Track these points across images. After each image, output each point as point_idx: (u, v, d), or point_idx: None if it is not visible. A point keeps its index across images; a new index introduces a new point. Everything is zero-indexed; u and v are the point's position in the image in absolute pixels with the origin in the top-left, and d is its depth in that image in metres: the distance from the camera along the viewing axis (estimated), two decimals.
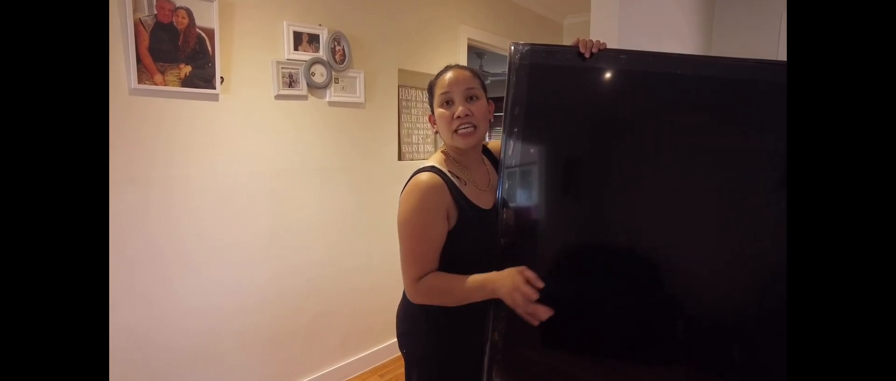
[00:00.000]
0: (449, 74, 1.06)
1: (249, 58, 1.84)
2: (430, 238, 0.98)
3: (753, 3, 3.07)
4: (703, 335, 1.03)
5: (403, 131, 2.47)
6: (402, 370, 2.39)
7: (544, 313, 0.89)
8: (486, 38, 2.97)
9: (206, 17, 1.69)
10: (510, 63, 1.05)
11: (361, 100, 2.22)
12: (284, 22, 1.92)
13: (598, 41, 1.05)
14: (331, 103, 2.11)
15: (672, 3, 2.17)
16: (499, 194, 1.04)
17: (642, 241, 1.04)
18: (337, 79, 2.11)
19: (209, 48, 1.71)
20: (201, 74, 1.70)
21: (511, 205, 1.04)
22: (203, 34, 1.69)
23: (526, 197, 1.05)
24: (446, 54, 2.65)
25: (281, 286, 2.03)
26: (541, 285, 0.90)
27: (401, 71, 2.41)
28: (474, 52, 4.25)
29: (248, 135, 1.86)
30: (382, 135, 2.36)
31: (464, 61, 2.77)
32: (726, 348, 1.01)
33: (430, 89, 1.10)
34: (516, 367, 1.05)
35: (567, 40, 3.80)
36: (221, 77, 1.76)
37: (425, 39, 2.53)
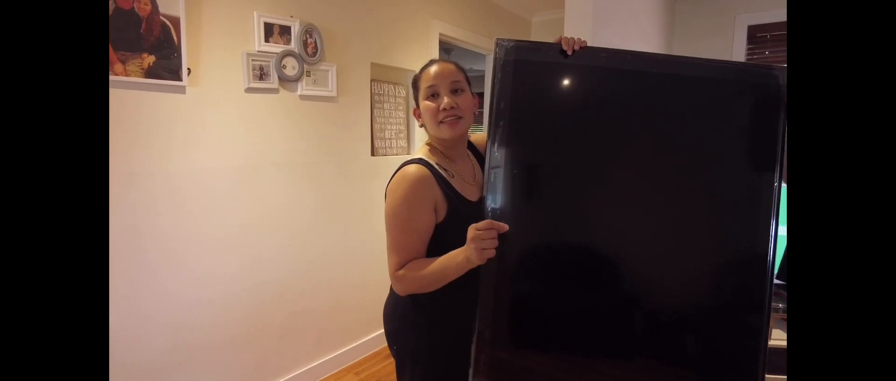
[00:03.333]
0: (434, 68, 1.07)
1: (218, 49, 1.77)
2: (415, 230, 0.99)
3: (710, 12, 3.22)
4: (694, 331, 1.08)
5: (376, 126, 2.45)
6: (379, 367, 2.38)
7: (501, 228, 0.94)
8: (457, 34, 2.98)
9: (170, 5, 1.61)
10: (495, 59, 1.06)
11: (334, 94, 2.18)
12: (255, 12, 1.86)
13: (580, 39, 1.07)
14: (302, 97, 2.06)
15: (640, 7, 2.24)
16: (484, 187, 1.05)
17: (624, 232, 1.08)
18: (309, 72, 2.06)
19: (175, 38, 1.63)
20: (167, 64, 1.62)
21: (497, 198, 1.05)
22: (168, 22, 1.61)
23: (512, 190, 1.06)
24: (419, 49, 2.64)
25: (252, 285, 1.97)
26: (503, 227, 0.95)
27: (374, 65, 2.38)
28: (443, 48, 4.25)
29: (217, 129, 1.79)
30: (355, 130, 2.33)
31: (435, 56, 2.76)
32: (717, 342, 1.06)
33: (415, 83, 1.10)
34: (503, 359, 1.06)
35: (535, 37, 3.86)
36: (188, 68, 1.69)
37: (398, 34, 2.51)
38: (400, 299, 1.07)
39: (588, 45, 1.09)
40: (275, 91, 1.96)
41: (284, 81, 1.98)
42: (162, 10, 1.59)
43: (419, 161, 1.02)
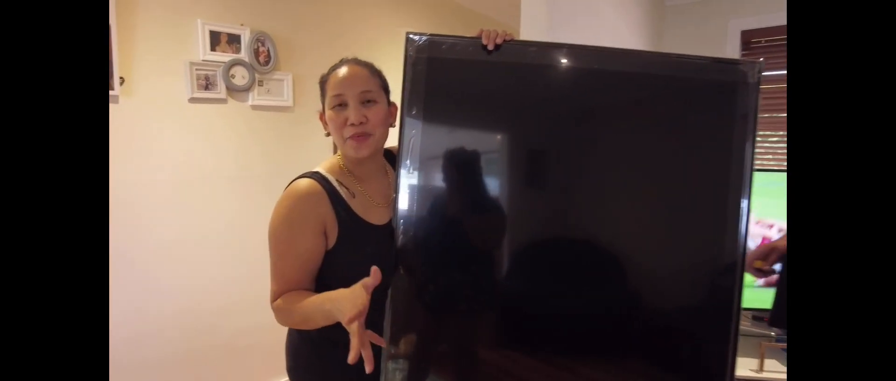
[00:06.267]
0: (343, 71, 0.94)
1: (157, 57, 1.68)
2: (294, 255, 0.86)
3: (701, 18, 3.09)
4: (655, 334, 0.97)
5: None
6: None
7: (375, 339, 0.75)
8: None
9: None
10: (406, 57, 0.94)
11: (289, 103, 2.07)
12: (198, 20, 1.77)
13: (504, 32, 0.95)
14: (254, 107, 1.96)
15: (615, 13, 2.12)
16: (394, 206, 0.91)
17: (554, 243, 0.96)
18: (261, 81, 1.96)
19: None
20: None
21: (410, 222, 0.91)
22: None
23: (425, 211, 0.93)
24: (386, 57, 2.53)
25: (201, 299, 1.86)
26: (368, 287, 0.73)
27: None
28: None
29: (158, 139, 1.70)
30: (314, 139, 2.19)
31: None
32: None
33: (322, 85, 0.98)
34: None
35: None
36: (121, 77, 1.59)
37: (362, 41, 2.40)
38: (294, 334, 0.93)
39: (515, 39, 0.96)
40: (223, 101, 1.86)
41: (233, 90, 1.88)
42: None
43: (314, 175, 0.90)
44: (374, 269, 0.73)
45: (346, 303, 0.70)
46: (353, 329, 0.67)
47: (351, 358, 0.66)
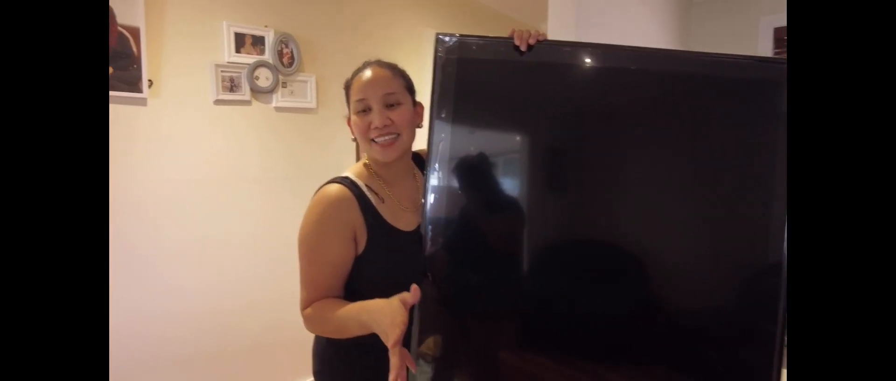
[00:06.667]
0: (366, 74, 0.93)
1: (183, 60, 1.69)
2: (323, 262, 0.84)
3: (730, 14, 2.99)
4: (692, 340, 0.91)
5: None
6: None
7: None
8: None
9: (128, 14, 1.54)
10: (435, 58, 0.92)
11: (313, 105, 2.07)
12: (224, 22, 1.78)
13: (537, 32, 0.92)
14: (278, 109, 1.97)
15: (640, 9, 2.06)
16: (423, 212, 0.89)
17: (594, 248, 0.91)
18: (285, 83, 1.96)
19: (134, 48, 1.56)
20: (124, 76, 1.55)
21: (438, 230, 0.89)
22: (126, 33, 1.54)
23: (455, 220, 0.90)
24: (409, 60, 2.52)
25: (224, 299, 1.87)
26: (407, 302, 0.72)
27: None
28: None
29: (183, 141, 1.71)
30: (337, 142, 2.21)
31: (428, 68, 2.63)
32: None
33: (347, 90, 0.96)
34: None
35: None
36: (150, 80, 1.61)
37: (386, 43, 2.40)
38: (321, 339, 0.92)
39: (547, 38, 0.93)
40: (247, 103, 1.87)
41: (257, 92, 1.89)
42: (120, 19, 1.52)
43: (343, 180, 0.88)
44: (415, 287, 0.72)
45: (385, 319, 0.69)
46: (396, 350, 0.65)
47: (392, 380, 0.65)
